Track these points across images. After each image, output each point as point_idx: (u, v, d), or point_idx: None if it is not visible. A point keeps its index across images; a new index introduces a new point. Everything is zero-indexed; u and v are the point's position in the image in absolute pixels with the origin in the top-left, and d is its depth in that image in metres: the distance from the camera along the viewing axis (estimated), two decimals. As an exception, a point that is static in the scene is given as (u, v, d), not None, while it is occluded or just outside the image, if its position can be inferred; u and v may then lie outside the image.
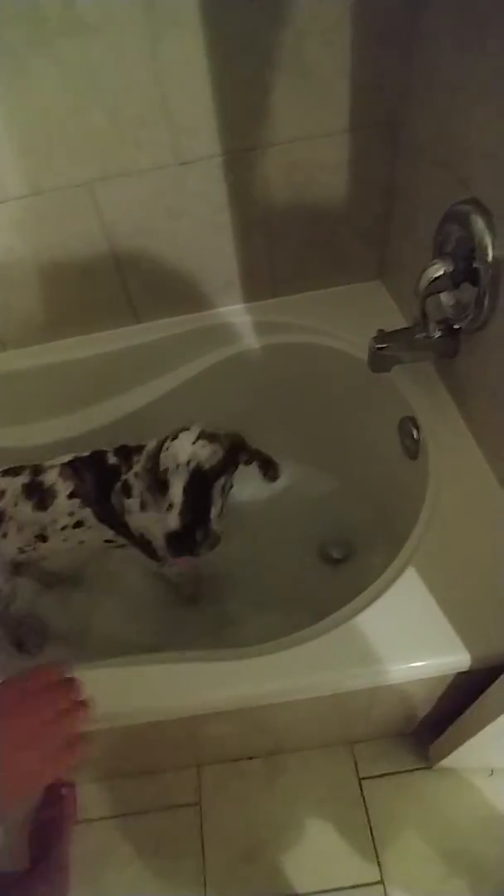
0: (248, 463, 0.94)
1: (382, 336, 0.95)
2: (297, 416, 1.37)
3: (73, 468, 1.05)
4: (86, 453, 1.07)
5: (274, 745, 1.13)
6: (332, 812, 1.07)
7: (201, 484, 0.85)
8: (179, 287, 1.23)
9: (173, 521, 0.82)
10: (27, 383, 1.28)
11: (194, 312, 1.28)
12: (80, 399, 1.32)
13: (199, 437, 0.86)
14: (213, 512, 0.86)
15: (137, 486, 1.00)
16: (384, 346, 0.95)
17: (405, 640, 0.75)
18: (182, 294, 1.24)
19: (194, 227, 1.13)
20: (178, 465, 0.84)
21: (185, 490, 0.83)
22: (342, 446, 1.34)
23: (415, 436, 1.02)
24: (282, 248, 1.20)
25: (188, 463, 0.84)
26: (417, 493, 0.95)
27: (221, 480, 0.89)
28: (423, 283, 0.85)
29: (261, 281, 1.25)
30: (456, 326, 0.90)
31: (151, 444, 0.93)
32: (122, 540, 1.09)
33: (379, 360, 0.97)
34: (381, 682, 0.74)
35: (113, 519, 1.05)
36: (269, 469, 0.95)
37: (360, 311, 1.22)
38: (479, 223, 0.78)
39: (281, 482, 1.44)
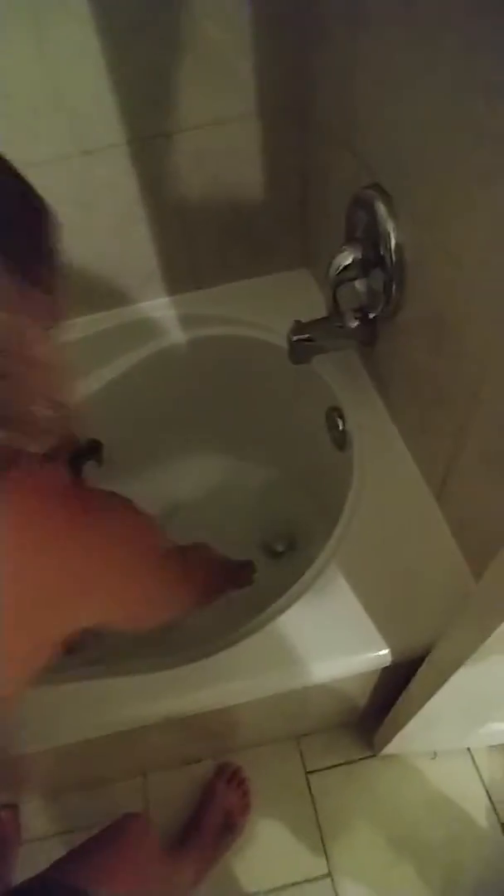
0: None
1: (299, 326, 0.92)
2: (229, 411, 1.34)
3: None
4: None
5: (219, 747, 1.12)
6: (280, 808, 1.06)
7: None
8: (97, 283, 1.18)
9: None
10: None
11: (115, 308, 1.23)
12: None
13: None
14: None
15: None
16: (301, 336, 0.93)
17: (327, 638, 0.74)
18: (101, 290, 1.19)
19: (108, 220, 1.08)
20: None
21: None
22: (277, 438, 1.32)
23: (340, 427, 1.00)
24: (202, 238, 1.16)
25: None
26: (342, 485, 0.93)
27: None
28: (333, 270, 0.83)
29: (183, 273, 1.21)
30: (371, 315, 0.89)
31: None
32: None
33: (298, 351, 0.94)
34: (303, 683, 0.73)
35: None
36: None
37: (285, 300, 1.19)
38: (381, 208, 0.76)
39: (219, 477, 1.43)
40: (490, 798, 1.03)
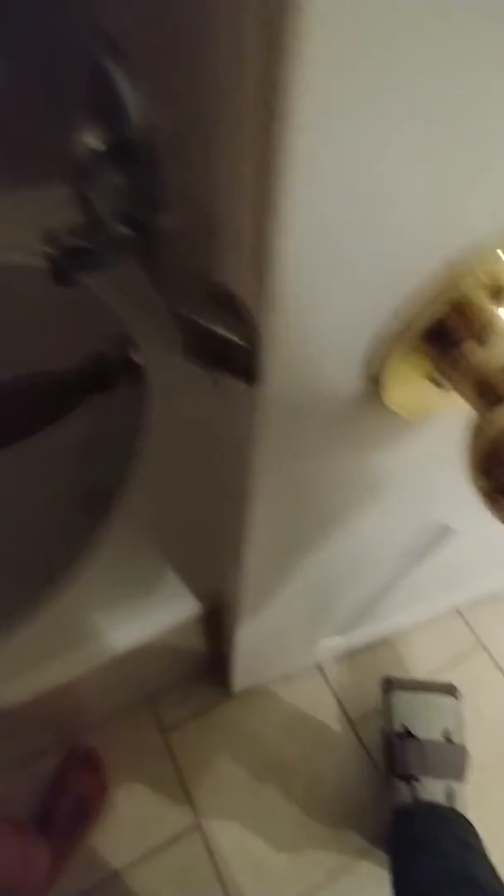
0: None
1: (54, 236, 0.75)
2: (11, 359, 1.13)
3: None
4: None
5: (64, 732, 1.01)
6: (140, 776, 1.00)
7: None
8: None
9: None
10: None
11: None
12: None
13: None
14: None
15: None
16: (60, 249, 0.76)
17: (131, 600, 0.64)
18: None
19: None
20: None
21: None
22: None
23: (134, 358, 0.87)
24: None
25: None
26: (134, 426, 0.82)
27: None
28: (78, 158, 0.67)
29: None
30: (140, 219, 0.75)
31: None
32: None
33: (60, 270, 0.78)
34: (113, 653, 0.63)
35: None
36: None
37: (53, 214, 0.99)
38: (115, 70, 0.61)
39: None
40: (340, 704, 1.06)
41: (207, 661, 1.03)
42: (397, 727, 0.92)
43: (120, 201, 0.73)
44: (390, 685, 0.96)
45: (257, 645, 0.75)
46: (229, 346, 0.23)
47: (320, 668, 1.10)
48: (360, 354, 0.27)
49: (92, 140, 0.66)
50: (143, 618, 0.63)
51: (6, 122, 0.92)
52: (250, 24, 0.18)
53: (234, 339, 0.23)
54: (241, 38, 0.19)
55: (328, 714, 1.05)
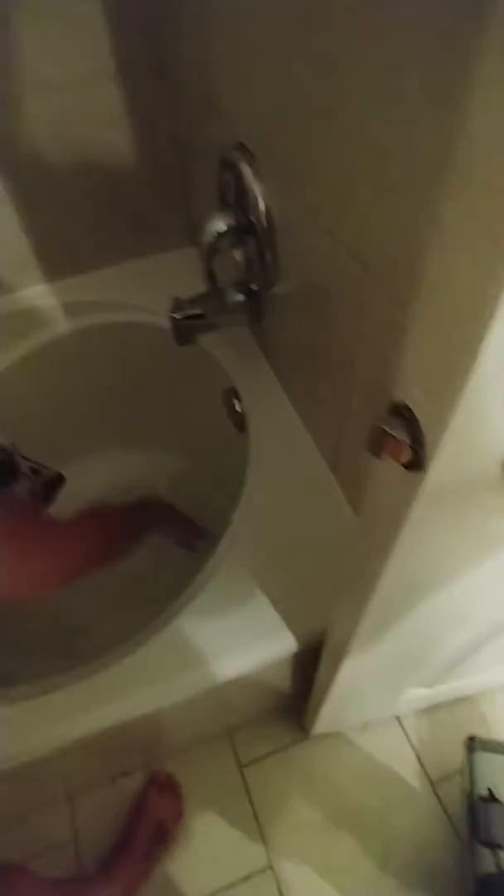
0: None
1: (179, 304, 0.87)
2: (125, 402, 1.26)
3: None
4: None
5: (148, 756, 1.06)
6: (217, 808, 1.03)
7: None
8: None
9: None
10: None
11: (-11, 299, 1.11)
12: None
13: None
14: None
15: None
16: (183, 314, 0.87)
17: (232, 632, 0.70)
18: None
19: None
20: None
21: None
22: (177, 427, 1.26)
23: (237, 407, 0.96)
24: (76, 217, 1.07)
25: None
26: (239, 468, 0.89)
27: None
28: (205, 239, 0.77)
29: (60, 256, 1.11)
30: (253, 287, 0.84)
31: None
32: None
33: (181, 331, 0.88)
34: (212, 682, 0.69)
35: None
36: (44, 488, 0.80)
37: (173, 280, 1.11)
38: (246, 169, 0.71)
39: (123, 473, 1.36)
40: (420, 760, 1.05)
41: (287, 700, 1.06)
42: (481, 790, 0.90)
43: (239, 273, 0.83)
44: (474, 745, 0.94)
45: (351, 688, 0.78)
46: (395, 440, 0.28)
47: (399, 721, 1.09)
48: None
49: (220, 224, 0.76)
50: (245, 651, 0.69)
51: (142, 196, 1.07)
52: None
53: (406, 440, 0.28)
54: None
55: (407, 769, 1.04)
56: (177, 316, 0.86)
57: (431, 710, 1.09)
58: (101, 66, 0.89)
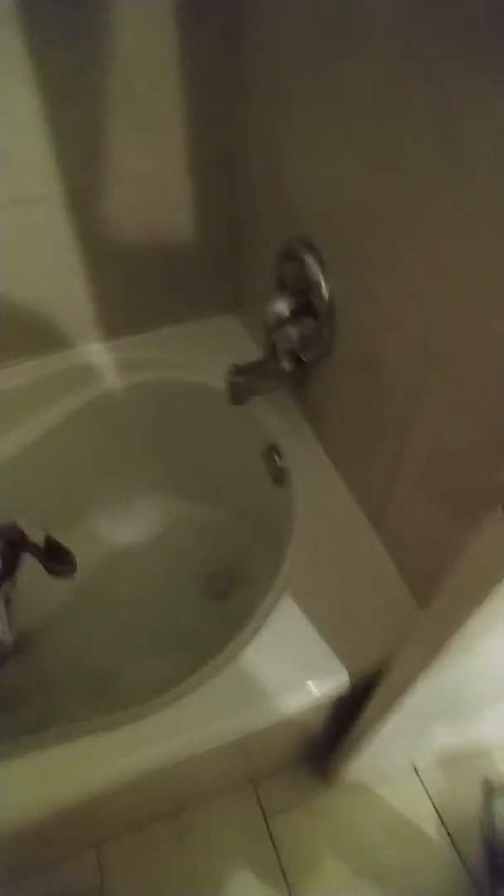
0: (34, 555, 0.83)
1: (238, 369, 0.97)
2: (168, 454, 1.35)
3: None
4: None
5: (177, 804, 1.07)
6: (242, 858, 1.03)
7: None
8: (33, 329, 1.16)
9: None
10: None
11: (51, 354, 1.21)
12: None
13: None
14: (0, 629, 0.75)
15: None
16: (240, 379, 0.97)
17: (287, 670, 0.75)
18: (36, 336, 1.17)
19: (43, 267, 1.08)
20: None
21: None
22: (216, 479, 1.34)
23: (278, 463, 1.05)
24: (137, 284, 1.18)
25: None
26: (282, 520, 0.97)
27: (2, 588, 0.79)
28: (271, 318, 0.89)
29: (118, 318, 1.22)
30: (303, 357, 0.95)
31: None
32: None
33: (237, 393, 0.98)
34: (274, 718, 0.74)
35: None
36: (57, 562, 0.84)
37: (217, 343, 1.24)
38: (310, 261, 0.83)
39: (159, 520, 1.43)
40: (437, 812, 1.07)
41: (311, 750, 1.09)
42: (502, 835, 0.93)
43: (292, 346, 0.94)
44: (492, 790, 0.97)
45: (395, 730, 0.82)
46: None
47: (416, 771, 1.12)
48: None
49: (282, 306, 0.88)
50: (302, 688, 0.74)
51: (197, 269, 1.20)
52: None
53: None
54: None
55: (426, 821, 1.06)
56: (235, 379, 0.97)
57: (447, 762, 1.12)
58: (175, 161, 1.03)
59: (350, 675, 0.75)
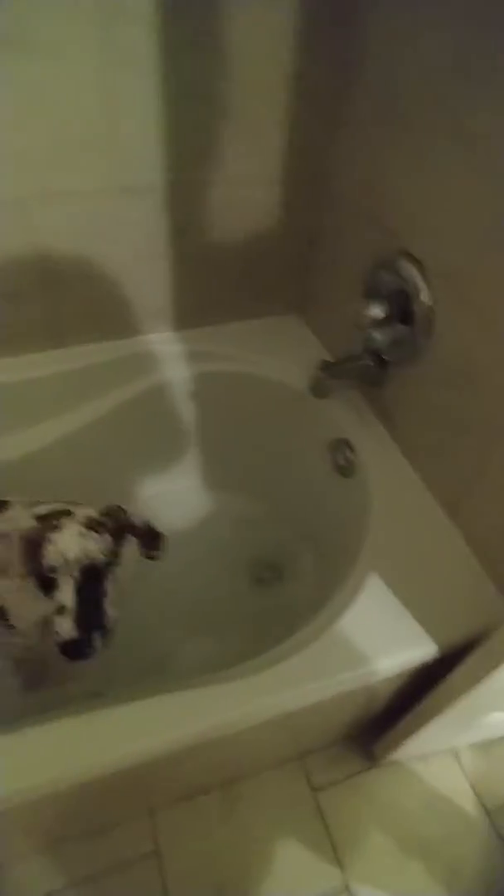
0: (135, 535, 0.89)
1: (325, 365, 1.04)
2: (223, 444, 1.40)
3: None
4: None
5: (229, 775, 1.12)
6: (291, 829, 1.08)
7: (94, 580, 0.77)
8: (111, 312, 1.21)
9: (68, 628, 0.73)
10: None
11: (123, 339, 1.26)
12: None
13: (83, 526, 0.78)
14: (108, 603, 0.78)
15: None
16: (325, 374, 1.05)
17: (381, 639, 0.82)
18: (111, 319, 1.22)
19: (130, 253, 1.13)
20: (66, 563, 0.75)
21: (79, 590, 0.75)
22: (268, 470, 1.40)
23: (349, 455, 1.12)
24: (213, 279, 1.25)
25: (79, 561, 0.76)
26: (354, 508, 1.05)
27: (114, 568, 0.82)
28: (364, 320, 0.96)
29: (191, 310, 1.28)
30: (386, 358, 1.03)
31: (25, 523, 0.83)
32: None
33: (321, 387, 1.06)
34: (367, 681, 0.80)
35: None
36: (152, 544, 0.89)
37: (282, 341, 1.32)
38: (411, 272, 0.92)
39: (209, 507, 1.48)
40: (475, 792, 1.15)
41: (358, 728, 1.15)
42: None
43: (379, 348, 1.02)
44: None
45: (450, 720, 0.90)
46: None
47: (454, 753, 1.19)
48: None
49: (377, 311, 0.95)
50: (393, 654, 0.81)
51: (271, 271, 1.27)
52: None
53: None
54: None
55: (465, 799, 1.13)
56: (321, 374, 1.04)
57: (484, 746, 1.20)
58: (271, 170, 1.11)
59: (439, 644, 0.82)
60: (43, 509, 0.85)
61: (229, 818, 1.09)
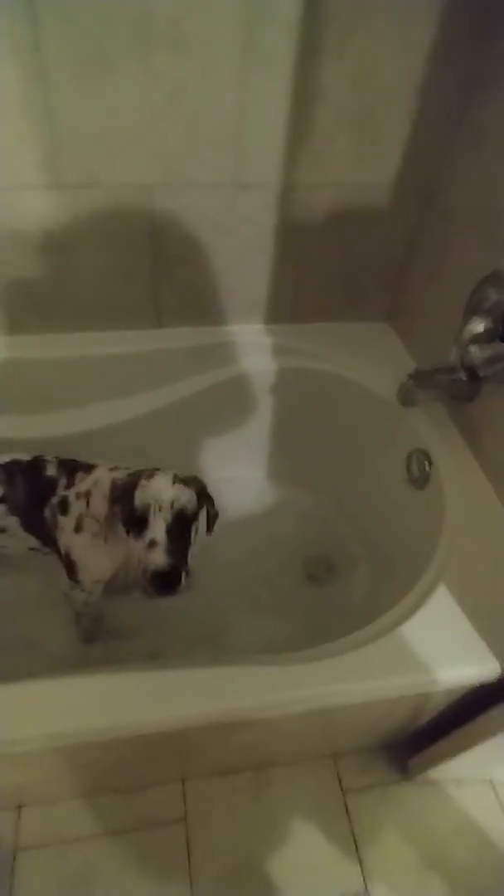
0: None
1: (416, 373, 1.05)
2: (297, 439, 1.43)
3: (8, 472, 1.02)
4: (26, 457, 1.04)
5: (263, 758, 1.14)
6: (317, 824, 1.10)
7: (182, 525, 0.86)
8: (209, 299, 1.26)
9: (160, 558, 0.81)
10: (34, 372, 1.23)
11: (217, 325, 1.31)
12: (79, 397, 1.28)
13: (174, 481, 0.87)
14: (191, 552, 0.88)
15: (77, 507, 0.99)
16: (413, 382, 1.05)
17: (442, 650, 0.82)
18: (210, 306, 1.28)
19: (237, 246, 1.18)
20: (160, 505, 0.84)
21: (169, 530, 0.84)
22: (339, 471, 1.42)
23: (426, 468, 1.12)
24: (310, 279, 1.28)
25: (171, 504, 0.85)
26: (426, 519, 1.04)
27: (196, 523, 0.91)
28: (467, 335, 0.96)
29: (284, 306, 1.32)
30: (481, 374, 1.02)
31: (118, 475, 0.94)
32: (47, 550, 1.07)
33: (410, 395, 1.06)
34: (421, 689, 0.80)
35: (41, 530, 1.03)
36: (213, 520, 0.96)
37: (369, 346, 1.33)
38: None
39: (274, 499, 1.51)
40: (509, 826, 1.12)
41: (397, 739, 1.15)
42: None
43: (472, 361, 1.01)
44: None
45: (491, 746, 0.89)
46: None
47: (492, 784, 1.17)
48: None
49: (480, 327, 0.95)
50: (454, 667, 0.81)
51: (367, 278, 1.28)
52: None
53: None
54: None
55: (497, 833, 1.11)
56: (410, 382, 1.04)
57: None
58: (383, 178, 1.12)
59: (502, 665, 0.81)
60: (125, 473, 0.93)
61: (258, 801, 1.12)
